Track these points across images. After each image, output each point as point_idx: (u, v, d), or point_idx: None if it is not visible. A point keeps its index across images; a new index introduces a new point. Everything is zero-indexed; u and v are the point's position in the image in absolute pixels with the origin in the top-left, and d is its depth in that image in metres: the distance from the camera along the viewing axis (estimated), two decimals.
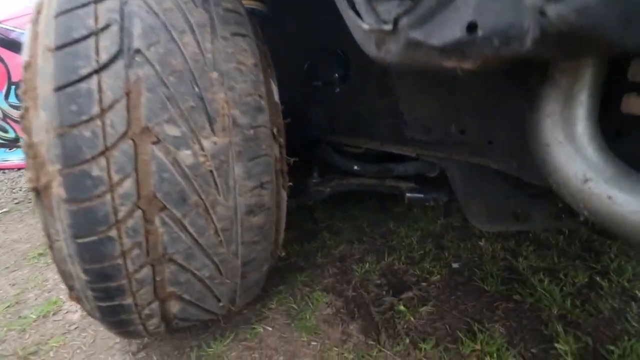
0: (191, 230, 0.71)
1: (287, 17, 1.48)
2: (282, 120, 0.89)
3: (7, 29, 2.71)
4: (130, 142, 0.63)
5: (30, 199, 2.81)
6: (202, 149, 0.68)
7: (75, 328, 1.23)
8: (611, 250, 1.28)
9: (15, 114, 2.93)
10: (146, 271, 0.71)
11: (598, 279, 1.14)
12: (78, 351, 1.12)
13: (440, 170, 1.26)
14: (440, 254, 1.38)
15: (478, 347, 0.94)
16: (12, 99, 2.80)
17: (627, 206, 0.66)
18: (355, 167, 1.43)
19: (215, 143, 0.69)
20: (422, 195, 1.28)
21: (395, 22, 0.48)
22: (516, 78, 0.89)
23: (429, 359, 0.94)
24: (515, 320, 1.02)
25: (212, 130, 0.69)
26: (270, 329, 1.12)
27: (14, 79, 2.83)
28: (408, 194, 1.29)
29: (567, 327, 0.97)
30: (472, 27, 0.42)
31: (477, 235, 1.46)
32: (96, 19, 0.63)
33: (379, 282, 1.27)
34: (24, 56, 0.67)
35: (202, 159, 0.68)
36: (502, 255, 1.31)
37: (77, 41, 0.61)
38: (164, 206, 0.67)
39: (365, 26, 0.53)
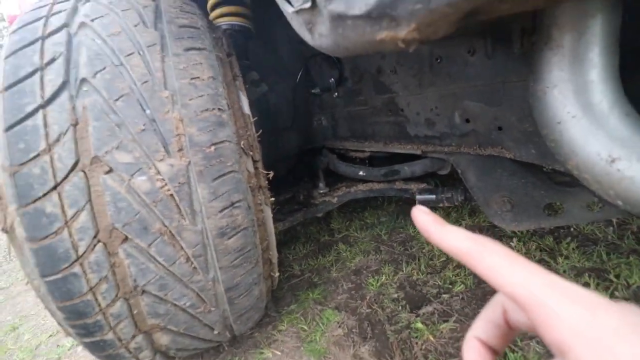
0: (159, 259, 0.67)
1: (274, 28, 1.45)
2: (254, 133, 0.84)
3: None
4: (81, 174, 0.61)
5: None
6: (159, 173, 0.64)
7: None
8: None
9: None
10: (120, 305, 0.68)
11: None
12: None
13: (451, 167, 1.13)
14: None
15: None
16: None
17: None
18: (361, 173, 1.34)
19: (172, 165, 0.65)
20: (433, 197, 1.15)
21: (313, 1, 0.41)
22: (505, 43, 0.76)
23: None
24: None
25: (167, 152, 0.65)
26: (279, 353, 1.06)
27: None
28: (418, 196, 1.17)
29: None
30: None
31: (508, 235, 1.28)
32: (42, 54, 0.63)
33: (395, 295, 1.15)
34: None
35: (159, 183, 0.64)
36: (538, 255, 1.12)
37: (23, 79, 0.61)
38: (125, 237, 0.64)
39: (291, 9, 0.46)
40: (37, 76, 0.62)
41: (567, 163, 0.63)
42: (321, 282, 1.33)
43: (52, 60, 0.63)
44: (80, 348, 1.36)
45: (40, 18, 0.69)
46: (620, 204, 0.57)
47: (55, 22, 0.68)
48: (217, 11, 1.17)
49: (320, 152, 1.48)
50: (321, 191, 1.41)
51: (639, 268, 0.97)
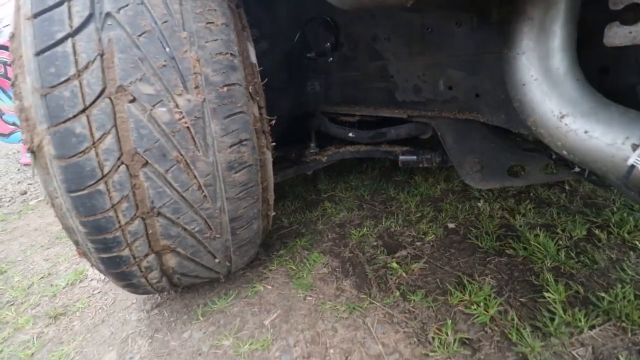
0: (175, 185, 0.76)
1: None
2: (259, 81, 0.91)
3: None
4: (108, 100, 0.67)
5: None
6: (177, 106, 0.72)
7: (98, 292, 1.35)
8: (614, 204, 1.23)
9: None
10: (137, 224, 0.77)
11: (597, 231, 1.11)
12: (100, 310, 1.23)
13: (433, 131, 1.25)
14: (438, 216, 1.38)
15: (466, 297, 0.95)
16: None
17: (604, 139, 0.65)
18: (351, 135, 1.44)
19: (189, 100, 0.73)
20: (415, 157, 1.27)
21: None
22: (486, 17, 0.86)
23: (417, 309, 0.96)
24: (506, 273, 1.02)
25: (185, 88, 0.72)
26: (269, 287, 1.18)
27: None
28: (401, 157, 1.29)
29: (559, 277, 0.96)
30: None
31: (476, 197, 1.44)
32: None
33: (375, 243, 1.29)
34: (10, 28, 0.73)
35: (177, 116, 0.72)
36: (500, 214, 1.29)
37: (51, 8, 0.66)
38: (146, 162, 0.72)
39: None
40: (65, 6, 0.66)
41: (527, 120, 0.75)
42: (308, 232, 1.46)
43: None
44: (77, 287, 1.43)
45: None
46: (565, 153, 0.71)
47: None
48: None
49: (313, 114, 1.56)
50: (312, 150, 1.50)
51: (582, 225, 1.15)
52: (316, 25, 1.49)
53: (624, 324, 0.78)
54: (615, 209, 1.20)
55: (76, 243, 0.85)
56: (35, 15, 0.66)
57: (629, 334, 0.77)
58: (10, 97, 2.96)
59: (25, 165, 3.72)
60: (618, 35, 0.68)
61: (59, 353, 1.06)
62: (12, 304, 1.40)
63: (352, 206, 1.60)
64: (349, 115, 1.49)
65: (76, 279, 1.48)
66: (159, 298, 1.23)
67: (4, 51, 2.75)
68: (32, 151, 0.71)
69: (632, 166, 0.59)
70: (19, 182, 3.51)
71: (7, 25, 2.70)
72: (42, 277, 1.59)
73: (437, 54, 1.11)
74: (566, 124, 0.68)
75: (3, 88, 2.87)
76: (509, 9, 0.70)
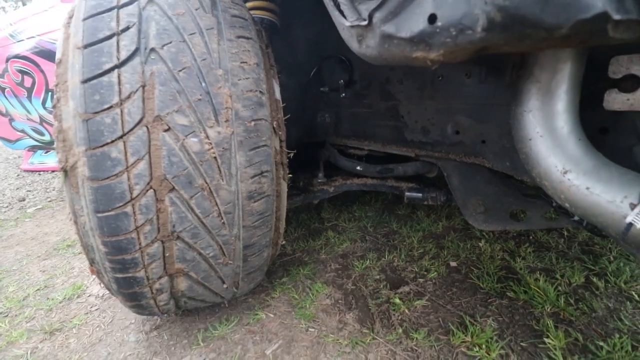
0: (197, 211, 0.79)
1: (295, 26, 1.58)
2: (282, 116, 0.97)
3: (47, 41, 2.99)
4: (145, 128, 0.71)
5: (62, 198, 3.01)
6: (208, 137, 0.76)
7: (96, 309, 1.33)
8: (611, 252, 1.27)
9: (51, 118, 3.21)
10: (157, 246, 0.79)
11: (595, 279, 1.14)
12: (97, 329, 1.21)
13: (439, 170, 1.30)
14: (440, 253, 1.41)
15: (468, 338, 0.96)
16: (49, 105, 3.07)
17: (604, 196, 0.69)
18: (358, 168, 1.49)
19: (219, 133, 0.77)
20: (420, 195, 1.32)
21: (370, 18, 0.55)
22: (496, 73, 0.93)
23: (420, 347, 0.97)
24: (507, 315, 1.04)
25: (217, 121, 0.77)
26: (272, 315, 1.18)
27: (52, 87, 3.12)
28: (407, 193, 1.34)
29: (559, 323, 0.98)
30: (432, 19, 0.48)
31: (477, 236, 1.48)
32: (118, 21, 0.73)
33: (378, 277, 1.31)
34: (57, 54, 0.78)
35: (207, 146, 0.76)
36: (501, 255, 1.32)
37: (101, 40, 0.71)
38: (173, 187, 0.75)
39: (347, 23, 0.60)
40: (114, 40, 0.72)
41: (532, 172, 0.80)
42: (311, 261, 1.47)
43: (127, 28, 0.74)
44: (74, 302, 1.41)
45: None
46: (568, 206, 0.75)
47: None
48: (251, 4, 1.29)
49: (323, 145, 1.62)
50: (320, 180, 1.55)
51: (580, 271, 1.19)
52: (332, 63, 1.58)
53: None
54: (612, 258, 1.24)
55: (92, 261, 0.86)
56: (86, 46, 0.71)
57: None
58: (23, 105, 3.00)
59: (26, 171, 3.71)
60: (616, 101, 0.75)
61: None
62: (6, 316, 1.38)
63: (355, 237, 1.62)
64: (357, 149, 1.55)
65: (74, 293, 1.46)
66: (159, 320, 1.22)
67: (22, 60, 2.83)
68: (64, 170, 0.74)
69: (630, 224, 0.64)
70: (17, 188, 3.50)
71: (31, 38, 2.79)
72: (38, 289, 1.56)
73: (446, 100, 1.18)
74: (569, 179, 0.73)
75: (18, 96, 2.92)
76: (520, 72, 0.77)
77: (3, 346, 1.19)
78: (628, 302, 1.04)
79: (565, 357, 0.87)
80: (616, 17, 0.33)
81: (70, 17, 0.81)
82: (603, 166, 0.71)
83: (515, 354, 0.90)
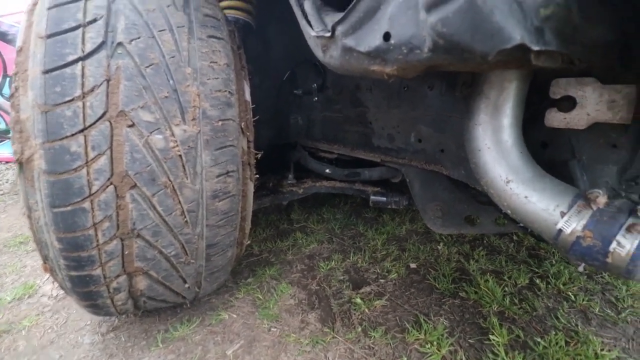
0: (159, 209, 0.78)
1: (271, 28, 1.60)
2: (251, 117, 0.98)
3: (6, 24, 2.80)
4: (107, 123, 0.70)
5: (16, 192, 2.81)
6: (173, 135, 0.76)
7: (49, 310, 1.27)
8: (554, 256, 1.39)
9: (8, 106, 3.00)
10: (115, 244, 0.77)
11: (538, 281, 1.24)
12: (49, 331, 1.15)
13: (402, 176, 1.37)
14: (401, 255, 1.47)
15: (422, 336, 1.02)
16: (7, 91, 2.86)
17: (540, 204, 0.77)
18: (327, 171, 1.53)
19: (185, 131, 0.78)
20: (384, 199, 1.37)
21: (333, 30, 0.59)
22: (454, 87, 1.01)
23: (377, 345, 1.01)
24: (458, 314, 1.11)
25: (183, 119, 0.78)
26: (235, 316, 1.18)
27: (10, 72, 2.92)
28: (372, 197, 1.39)
29: (503, 321, 1.06)
30: (387, 37, 0.52)
31: (436, 239, 1.56)
32: (85, 13, 0.72)
33: (341, 277, 1.34)
34: (17, 42, 0.75)
35: (172, 144, 0.76)
36: (457, 257, 1.41)
37: (66, 31, 0.70)
38: (134, 184, 0.74)
39: (313, 33, 0.64)
40: (79, 31, 0.70)
41: (481, 180, 0.87)
42: (277, 262, 1.49)
43: (94, 20, 0.72)
44: (24, 302, 1.33)
45: None
46: (510, 212, 0.83)
47: None
48: (225, 3, 1.29)
49: (294, 147, 1.65)
50: (289, 182, 1.57)
51: (525, 273, 1.29)
52: (306, 67, 1.61)
53: None
54: (554, 261, 1.36)
55: (45, 258, 0.83)
56: (49, 36, 0.70)
57: None
58: None
59: None
60: (555, 119, 0.83)
61: None
62: None
63: (322, 239, 1.65)
64: (327, 152, 1.59)
65: (24, 293, 1.38)
66: (117, 321, 1.18)
67: None
68: (20, 162, 0.72)
69: (560, 230, 0.71)
70: None
71: None
72: None
73: (411, 110, 1.25)
74: (511, 188, 0.81)
75: None
76: (471, 89, 0.84)
77: None
78: (565, 302, 1.14)
79: (507, 352, 0.94)
80: (535, 48, 0.39)
81: (35, 4, 0.78)
82: (540, 177, 0.79)
83: (463, 349, 0.97)
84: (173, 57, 0.78)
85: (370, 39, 0.55)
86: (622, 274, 0.61)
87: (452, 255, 1.43)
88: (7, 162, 3.53)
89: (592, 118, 0.79)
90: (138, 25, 0.76)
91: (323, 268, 1.41)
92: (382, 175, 1.41)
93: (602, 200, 0.69)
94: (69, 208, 0.70)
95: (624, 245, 0.60)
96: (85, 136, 0.69)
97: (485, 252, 1.43)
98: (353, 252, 1.51)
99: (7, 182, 3.16)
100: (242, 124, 0.91)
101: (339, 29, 0.58)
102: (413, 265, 1.38)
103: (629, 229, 0.62)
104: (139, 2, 0.79)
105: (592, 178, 0.86)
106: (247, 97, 0.98)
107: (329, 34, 0.61)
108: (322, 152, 1.61)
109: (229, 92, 0.86)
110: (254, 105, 1.02)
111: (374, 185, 1.48)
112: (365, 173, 1.44)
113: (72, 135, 0.68)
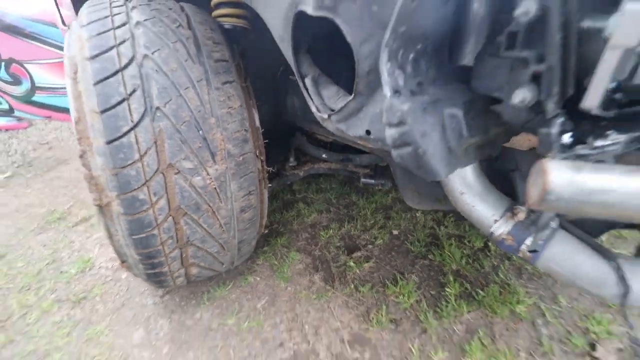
0: (204, 226, 1.06)
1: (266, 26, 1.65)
2: (262, 141, 1.20)
3: (2, 12, 2.71)
4: (161, 175, 0.94)
5: (29, 163, 3.00)
6: (208, 174, 1.00)
7: (110, 279, 1.62)
8: None
9: (6, 87, 3.04)
10: (176, 252, 1.07)
11: (490, 244, 1.61)
12: (117, 296, 1.53)
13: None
14: (386, 223, 1.81)
15: (397, 290, 1.41)
16: (3, 74, 2.85)
17: (482, 212, 1.06)
18: (324, 155, 1.77)
19: (216, 170, 1.01)
20: (372, 181, 1.65)
21: (329, 116, 0.80)
22: None
23: (365, 297, 1.41)
24: (425, 272, 1.49)
25: (214, 161, 1.00)
26: (258, 279, 1.56)
27: (4, 56, 2.87)
28: (362, 179, 1.66)
29: (458, 277, 1.45)
30: (368, 132, 0.74)
31: (416, 210, 1.89)
32: (125, 85, 0.89)
33: (338, 244, 1.70)
34: (72, 112, 0.93)
35: (208, 181, 1.01)
36: (430, 224, 1.76)
37: (115, 106, 0.88)
38: (186, 212, 1.01)
39: (314, 109, 0.84)
40: (125, 104, 0.89)
41: (444, 188, 1.15)
42: (286, 231, 1.82)
43: (134, 91, 0.90)
44: (87, 274, 1.68)
45: (111, 48, 0.91)
46: (462, 215, 1.12)
47: (124, 52, 0.92)
48: (221, 11, 1.36)
49: (293, 134, 1.85)
50: (291, 164, 1.81)
51: (482, 238, 1.65)
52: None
53: (487, 312, 1.29)
54: None
55: (123, 261, 1.13)
56: (103, 112, 0.88)
57: (489, 318, 1.28)
58: None
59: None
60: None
61: (93, 331, 1.37)
62: (28, 289, 1.63)
63: (321, 208, 1.97)
64: (323, 136, 1.80)
65: (85, 266, 1.73)
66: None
67: None
68: (99, 206, 0.97)
69: (492, 232, 1.02)
70: None
71: None
72: (47, 264, 1.78)
73: None
74: (464, 199, 1.09)
75: None
76: None
77: (39, 315, 1.47)
78: (507, 261, 1.52)
79: (456, 300, 1.34)
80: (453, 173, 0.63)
81: (75, 73, 0.93)
82: (485, 190, 1.07)
83: (426, 299, 1.37)
84: (199, 111, 0.97)
85: (356, 130, 0.76)
86: (529, 262, 0.94)
87: (427, 222, 1.77)
88: (6, 130, 3.60)
89: (532, 143, 1.03)
90: (167, 88, 0.93)
91: (323, 236, 1.75)
92: (371, 161, 1.66)
93: (522, 215, 0.98)
94: (143, 235, 0.98)
95: (530, 247, 0.91)
96: (147, 187, 0.93)
97: (454, 219, 1.78)
98: (347, 221, 1.84)
99: (15, 153, 3.30)
100: (257, 151, 1.14)
101: (334, 118, 0.79)
102: (395, 232, 1.73)
103: (534, 237, 0.93)
104: (163, 63, 0.94)
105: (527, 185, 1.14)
106: (257, 123, 1.18)
107: (326, 116, 0.81)
108: (318, 135, 1.82)
109: (245, 129, 1.07)
110: (263, 130, 1.22)
111: (364, 168, 1.74)
112: (356, 159, 1.68)
113: (139, 187, 0.92)
